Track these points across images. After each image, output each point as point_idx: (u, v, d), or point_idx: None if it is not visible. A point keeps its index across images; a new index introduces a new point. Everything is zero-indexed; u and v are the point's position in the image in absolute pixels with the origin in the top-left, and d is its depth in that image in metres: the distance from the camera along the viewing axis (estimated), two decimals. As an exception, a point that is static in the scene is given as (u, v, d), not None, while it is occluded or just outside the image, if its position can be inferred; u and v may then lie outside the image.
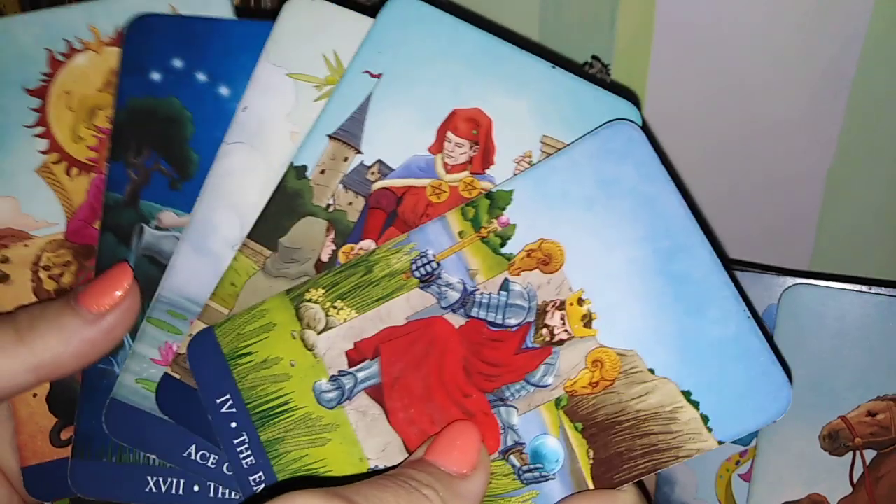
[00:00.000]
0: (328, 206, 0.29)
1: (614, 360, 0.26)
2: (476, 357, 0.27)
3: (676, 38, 0.37)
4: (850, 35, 0.36)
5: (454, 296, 0.27)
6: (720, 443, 0.25)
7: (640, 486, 0.26)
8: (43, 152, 0.31)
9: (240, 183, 0.30)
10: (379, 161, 0.29)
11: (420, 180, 0.29)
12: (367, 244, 0.29)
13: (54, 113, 0.31)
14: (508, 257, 0.27)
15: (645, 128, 0.27)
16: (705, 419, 0.25)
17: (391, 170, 0.29)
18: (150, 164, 0.31)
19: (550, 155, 0.28)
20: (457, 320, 0.27)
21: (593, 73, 0.38)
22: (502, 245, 0.27)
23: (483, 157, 0.29)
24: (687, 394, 0.25)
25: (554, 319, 0.27)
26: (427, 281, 0.28)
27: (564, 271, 0.27)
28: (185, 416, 0.29)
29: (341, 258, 0.29)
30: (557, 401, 0.26)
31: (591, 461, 0.26)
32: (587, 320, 0.26)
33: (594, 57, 0.38)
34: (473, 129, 0.29)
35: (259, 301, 0.28)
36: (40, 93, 0.31)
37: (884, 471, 0.32)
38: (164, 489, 0.30)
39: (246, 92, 0.30)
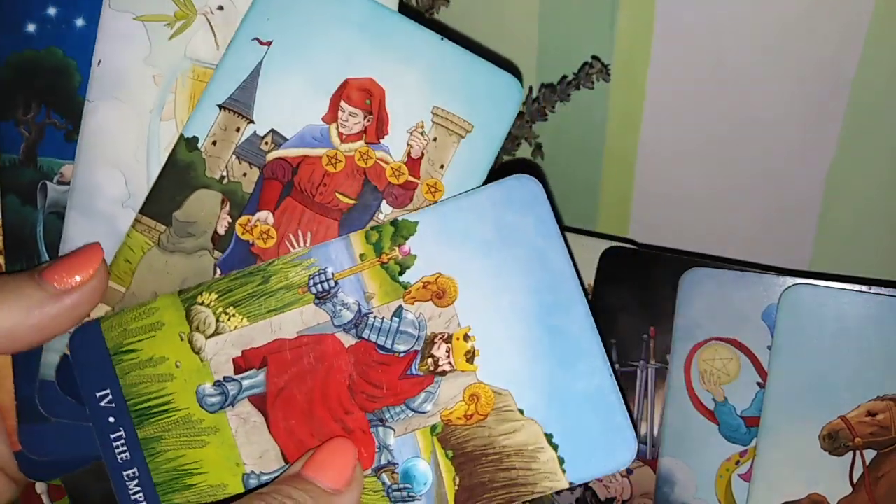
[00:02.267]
0: (222, 177, 0.29)
1: (489, 396, 0.28)
2: (361, 377, 0.28)
3: (676, 38, 0.37)
4: (850, 35, 0.35)
5: (348, 316, 0.28)
6: (571, 483, 0.27)
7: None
8: None
9: (114, 138, 0.29)
10: (272, 131, 0.29)
11: (315, 150, 0.29)
12: (264, 215, 0.29)
13: None
14: (405, 286, 0.28)
15: (544, 182, 0.28)
16: (561, 461, 0.27)
17: (285, 139, 0.29)
18: (41, 120, 0.29)
19: (453, 195, 0.29)
20: (347, 340, 0.28)
21: (593, 73, 0.37)
22: (401, 273, 0.28)
23: (377, 126, 0.29)
24: (549, 436, 0.27)
25: (440, 351, 0.28)
26: (323, 298, 0.28)
27: (456, 307, 0.28)
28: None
29: (238, 230, 0.29)
30: (433, 427, 0.28)
31: (457, 487, 0.28)
32: (470, 356, 0.28)
33: (594, 57, 0.38)
34: (367, 98, 0.29)
35: (152, 289, 0.28)
36: None
37: (884, 471, 0.32)
38: None
39: (96, 45, 0.28)
